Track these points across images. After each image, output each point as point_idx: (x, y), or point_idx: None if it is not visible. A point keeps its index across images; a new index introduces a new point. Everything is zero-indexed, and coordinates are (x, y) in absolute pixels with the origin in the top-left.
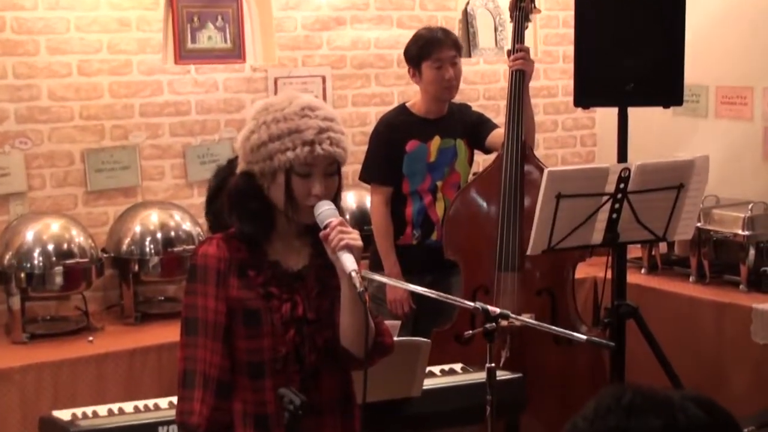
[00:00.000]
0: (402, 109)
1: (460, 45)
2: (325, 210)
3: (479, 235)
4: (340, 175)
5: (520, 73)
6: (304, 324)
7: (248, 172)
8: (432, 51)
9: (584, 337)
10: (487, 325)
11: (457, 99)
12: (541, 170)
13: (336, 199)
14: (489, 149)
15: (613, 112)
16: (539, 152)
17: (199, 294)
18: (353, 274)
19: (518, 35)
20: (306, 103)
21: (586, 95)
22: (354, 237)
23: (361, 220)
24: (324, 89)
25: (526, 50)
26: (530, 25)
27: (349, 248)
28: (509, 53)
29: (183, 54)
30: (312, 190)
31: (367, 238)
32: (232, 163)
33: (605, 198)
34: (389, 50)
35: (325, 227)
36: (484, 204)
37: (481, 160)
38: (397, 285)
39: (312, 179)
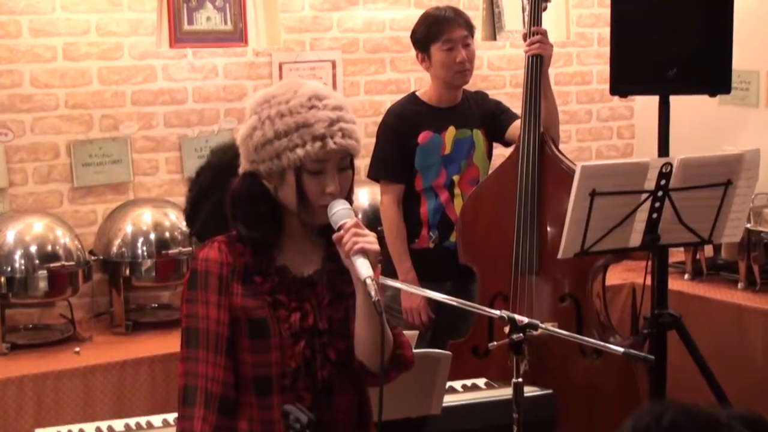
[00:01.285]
0: (412, 98)
1: (472, 25)
2: (339, 210)
3: (496, 238)
4: (353, 168)
5: (538, 58)
6: (315, 335)
7: (253, 172)
8: (441, 31)
9: (621, 349)
10: (514, 336)
11: (482, 86)
12: (563, 164)
13: (349, 196)
14: (509, 142)
15: (653, 100)
16: (571, 145)
17: (200, 302)
18: (368, 281)
19: (535, 17)
20: (312, 91)
21: (623, 82)
22: (370, 240)
23: (374, 220)
24: (334, 75)
25: (544, 33)
26: (550, 5)
27: (364, 252)
28: (525, 37)
29: (179, 36)
30: (326, 188)
31: (379, 240)
32: (213, 162)
33: (645, 196)
34: (405, 32)
35: (339, 229)
36: (500, 202)
37: (506, 153)
38: (414, 292)
39: (325, 176)
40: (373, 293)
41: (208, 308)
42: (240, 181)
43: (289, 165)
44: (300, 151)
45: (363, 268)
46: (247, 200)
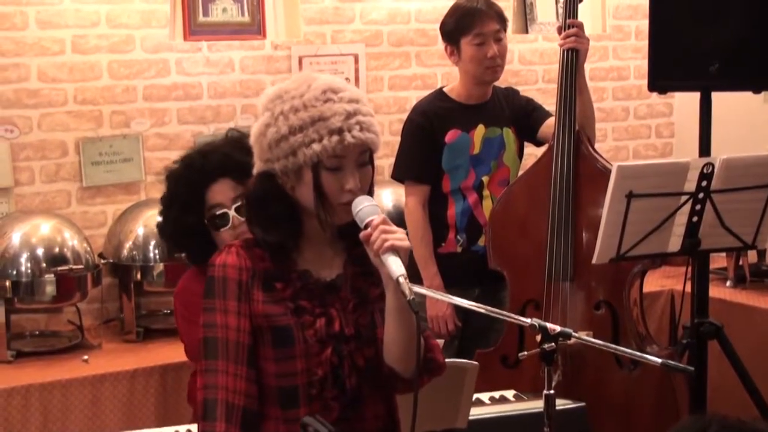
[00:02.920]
0: (439, 94)
1: (505, 17)
2: (365, 207)
3: (527, 242)
4: (373, 164)
5: (573, 52)
6: (342, 341)
7: (267, 172)
8: (472, 24)
9: (659, 360)
10: (546, 346)
11: (513, 82)
12: (599, 164)
13: (370, 193)
14: (542, 141)
15: (694, 97)
16: (607, 144)
17: (218, 311)
18: (401, 279)
19: (570, 9)
20: (327, 84)
21: (662, 78)
22: (399, 237)
23: (398, 222)
24: (356, 70)
25: (580, 26)
26: None
27: (394, 250)
28: (560, 30)
29: (193, 29)
30: (345, 185)
31: None
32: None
33: (684, 198)
34: (432, 24)
35: (366, 226)
36: (533, 205)
37: (537, 153)
38: (440, 298)
39: (344, 172)
40: (407, 292)
41: (227, 317)
42: (255, 183)
43: (305, 162)
44: (316, 147)
45: (394, 266)
46: (262, 202)
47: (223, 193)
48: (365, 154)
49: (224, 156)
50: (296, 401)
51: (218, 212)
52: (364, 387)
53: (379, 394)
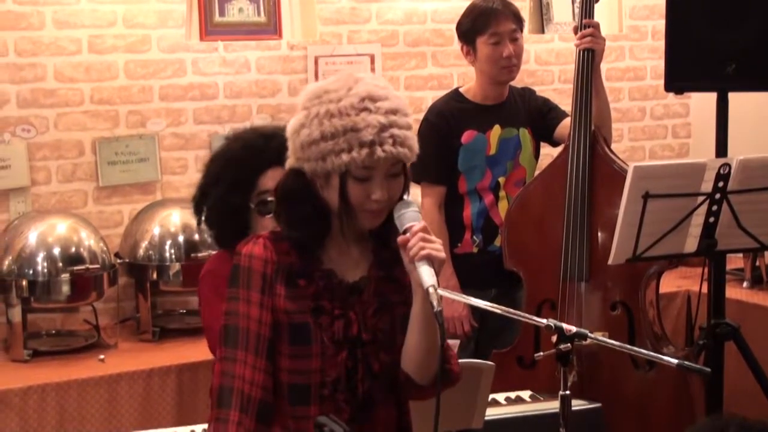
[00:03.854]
0: (455, 94)
1: (521, 17)
2: (408, 212)
3: (543, 242)
4: (406, 174)
5: (590, 52)
6: (358, 345)
7: (299, 169)
8: (488, 24)
9: (675, 360)
10: (562, 346)
11: (529, 82)
12: (615, 165)
13: (402, 199)
14: (558, 141)
15: (710, 97)
16: (624, 144)
17: (242, 300)
18: (431, 290)
19: (586, 9)
20: (367, 91)
21: (679, 78)
22: (437, 248)
23: None
24: (372, 70)
25: (596, 26)
26: None
27: (430, 259)
28: (576, 30)
29: (209, 29)
30: (372, 195)
31: None
32: (225, 151)
33: (701, 199)
34: (448, 25)
35: (405, 231)
36: (548, 205)
37: (553, 154)
38: (456, 298)
39: (371, 183)
40: (435, 303)
41: (250, 307)
42: (286, 178)
43: (333, 169)
44: (345, 157)
45: (427, 275)
46: (291, 199)
47: (276, 180)
48: (398, 166)
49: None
50: (307, 400)
51: (268, 198)
52: (376, 391)
53: (391, 398)
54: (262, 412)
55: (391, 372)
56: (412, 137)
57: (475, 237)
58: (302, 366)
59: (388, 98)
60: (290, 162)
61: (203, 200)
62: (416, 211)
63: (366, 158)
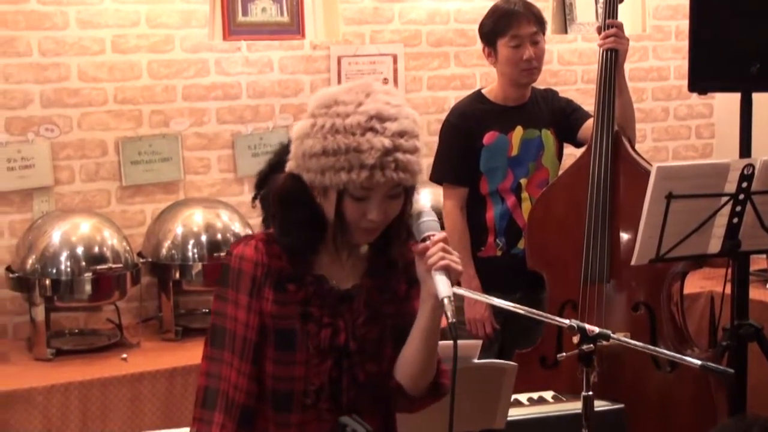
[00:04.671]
0: (477, 95)
1: (543, 20)
2: (428, 221)
3: (566, 243)
4: (409, 196)
5: (613, 52)
6: (344, 355)
7: (298, 175)
8: (509, 26)
9: (698, 362)
10: (584, 347)
11: (552, 82)
12: (639, 166)
13: (401, 220)
14: (581, 142)
15: (734, 98)
16: (647, 144)
17: (230, 302)
18: (446, 301)
19: (610, 9)
20: (376, 109)
21: (702, 78)
22: (455, 259)
23: None
24: (395, 70)
25: (619, 26)
26: None
27: (447, 271)
28: (599, 30)
29: (233, 28)
30: (367, 215)
31: None
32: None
33: (725, 199)
34: (471, 25)
35: (424, 239)
36: (571, 205)
37: (576, 154)
38: (479, 299)
39: (369, 202)
40: (449, 314)
41: (238, 310)
42: (284, 181)
43: (331, 185)
44: (344, 176)
45: (443, 286)
46: (288, 203)
47: None
48: (398, 188)
49: None
50: (289, 406)
51: None
52: (361, 401)
53: (377, 408)
54: (245, 417)
55: (377, 383)
56: (416, 161)
57: (498, 240)
58: (286, 372)
59: (397, 119)
60: (290, 166)
61: (265, 179)
62: (436, 220)
63: (365, 180)
